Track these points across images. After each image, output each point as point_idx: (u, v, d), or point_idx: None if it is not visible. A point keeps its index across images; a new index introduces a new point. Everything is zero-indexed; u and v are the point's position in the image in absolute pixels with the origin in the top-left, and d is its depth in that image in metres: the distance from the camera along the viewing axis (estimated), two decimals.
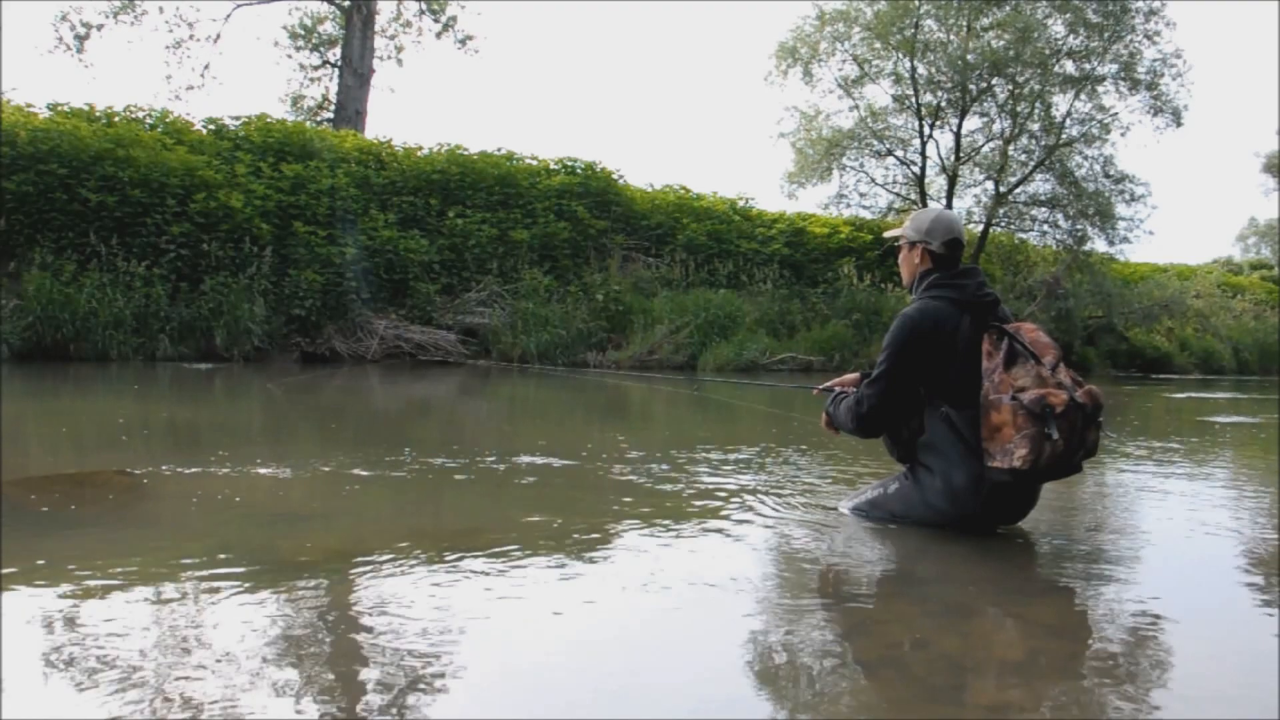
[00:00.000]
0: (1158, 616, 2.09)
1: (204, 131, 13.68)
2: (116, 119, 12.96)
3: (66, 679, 1.53)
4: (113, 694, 1.47)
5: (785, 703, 1.55)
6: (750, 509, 3.14)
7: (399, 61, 26.76)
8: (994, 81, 17.41)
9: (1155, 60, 17.62)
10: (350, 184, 13.62)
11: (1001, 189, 17.89)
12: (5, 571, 2.11)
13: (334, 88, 23.69)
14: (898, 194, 18.83)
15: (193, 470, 3.57)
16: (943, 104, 17.96)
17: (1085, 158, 18.17)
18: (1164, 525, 3.22)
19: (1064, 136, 17.85)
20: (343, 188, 13.43)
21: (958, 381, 2.72)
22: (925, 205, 16.96)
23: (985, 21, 17.53)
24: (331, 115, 22.97)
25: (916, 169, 18.42)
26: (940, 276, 2.85)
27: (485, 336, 13.41)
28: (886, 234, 3.19)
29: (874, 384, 2.85)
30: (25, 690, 1.49)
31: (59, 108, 12.70)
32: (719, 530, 2.83)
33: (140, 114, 13.44)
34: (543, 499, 3.29)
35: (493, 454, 4.36)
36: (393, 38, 25.28)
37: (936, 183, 18.42)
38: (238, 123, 14.11)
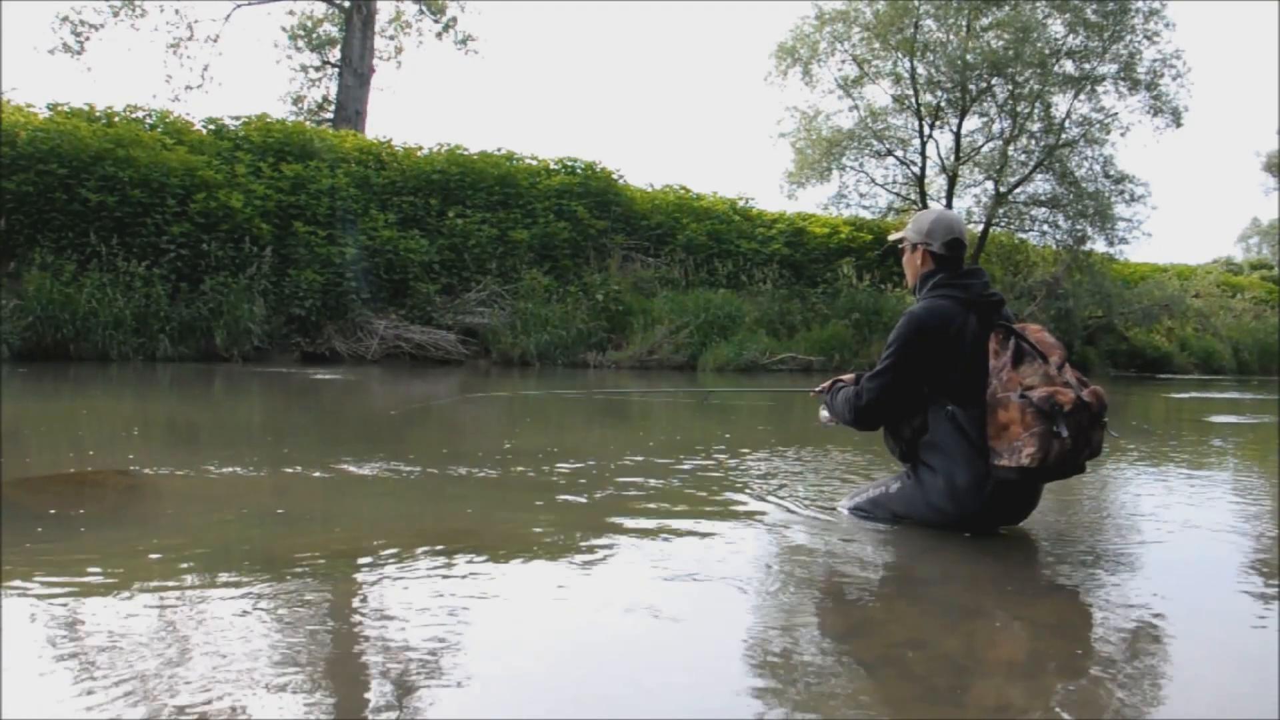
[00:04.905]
0: (1158, 616, 2.08)
1: (204, 131, 13.69)
2: (116, 119, 12.97)
3: (66, 679, 1.53)
4: (113, 694, 1.46)
5: (785, 703, 1.55)
6: (751, 509, 3.14)
7: (398, 63, 26.81)
8: (994, 81, 17.41)
9: (1155, 60, 17.64)
10: (350, 184, 13.62)
11: (1001, 189, 17.89)
12: (5, 571, 2.11)
13: (334, 88, 23.70)
14: (898, 194, 18.84)
15: (193, 470, 3.57)
16: (942, 104, 17.96)
17: (1085, 158, 18.18)
18: (1164, 525, 3.22)
19: (1064, 137, 17.86)
20: (343, 188, 13.44)
21: (963, 380, 2.71)
22: (925, 205, 16.96)
23: (985, 21, 17.54)
24: (331, 115, 22.98)
25: (916, 169, 18.42)
26: (945, 277, 2.85)
27: (485, 336, 13.41)
28: (890, 236, 3.19)
29: (876, 378, 2.85)
30: (25, 690, 1.49)
31: (59, 108, 12.71)
32: (719, 530, 2.83)
33: (140, 114, 13.44)
34: (543, 499, 3.29)
35: (492, 454, 4.36)
36: (392, 38, 25.31)
37: (936, 183, 18.43)
38: (238, 123, 14.12)
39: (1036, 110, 17.72)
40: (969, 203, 18.67)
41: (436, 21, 24.72)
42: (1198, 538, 2.97)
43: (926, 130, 18.24)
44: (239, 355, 11.45)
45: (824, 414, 3.11)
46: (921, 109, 17.95)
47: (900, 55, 17.67)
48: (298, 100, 26.45)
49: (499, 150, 15.61)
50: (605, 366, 13.31)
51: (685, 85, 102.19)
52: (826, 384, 3.13)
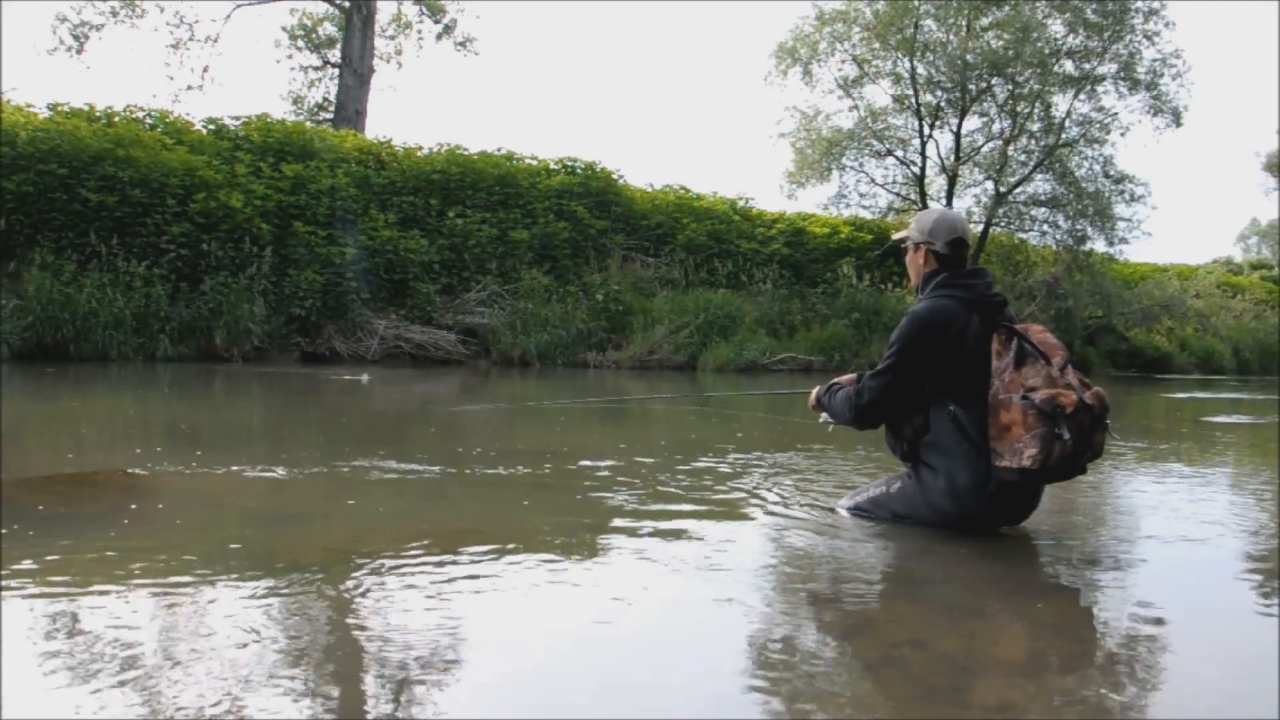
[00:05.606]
0: (1158, 616, 2.08)
1: (204, 131, 13.68)
2: (116, 119, 12.97)
3: (66, 679, 1.53)
4: (113, 694, 1.46)
5: (785, 703, 1.55)
6: (750, 509, 3.14)
7: (398, 64, 26.81)
8: (994, 81, 17.41)
9: (1155, 60, 17.66)
10: (350, 184, 13.62)
11: (1001, 189, 17.89)
12: (5, 571, 2.11)
13: (334, 88, 23.70)
14: (898, 194, 18.85)
15: (193, 470, 3.57)
16: (942, 104, 17.96)
17: (1085, 158, 18.19)
18: (1164, 525, 3.22)
19: (1064, 137, 17.86)
20: (343, 188, 13.43)
21: (965, 381, 2.71)
22: (925, 205, 16.97)
23: (985, 21, 17.54)
24: (331, 115, 22.98)
25: (916, 169, 18.43)
26: (948, 277, 2.84)
27: (485, 336, 13.41)
28: (893, 235, 3.18)
29: (877, 376, 2.85)
30: (25, 690, 1.49)
31: (59, 108, 12.70)
32: (719, 530, 2.83)
33: (140, 114, 13.44)
34: (543, 499, 3.29)
35: (492, 454, 4.36)
36: (393, 38, 25.32)
37: (936, 183, 18.44)
38: (238, 123, 14.12)
39: (1036, 110, 17.73)
40: (969, 203, 18.70)
41: (436, 23, 24.73)
42: (1198, 537, 2.97)
43: (926, 130, 18.25)
44: (239, 355, 11.45)
45: (823, 416, 3.11)
46: (921, 109, 17.96)
47: (900, 55, 17.68)
48: (298, 100, 26.47)
49: (499, 150, 15.62)
50: (605, 367, 13.31)
51: (685, 85, 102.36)
52: (821, 388, 3.11)
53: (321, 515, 2.95)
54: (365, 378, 9.55)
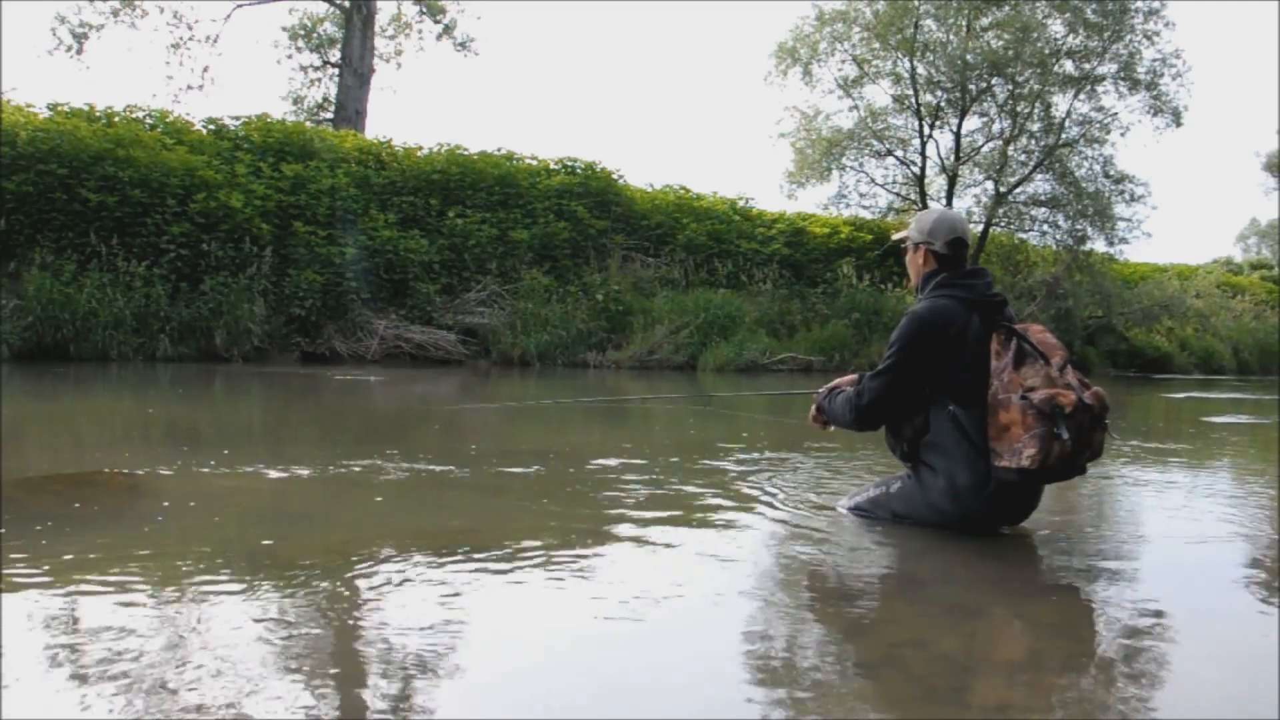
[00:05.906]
0: (1158, 616, 2.09)
1: (204, 131, 13.67)
2: (116, 119, 12.96)
3: (66, 679, 1.53)
4: (113, 694, 1.46)
5: (786, 703, 1.55)
6: (750, 509, 3.14)
7: (398, 64, 26.82)
8: (994, 81, 17.41)
9: (1155, 60, 17.66)
10: (350, 184, 13.61)
11: (1001, 189, 17.89)
12: (5, 571, 2.11)
13: (334, 88, 23.70)
14: (898, 194, 18.85)
15: (193, 470, 3.57)
16: (942, 104, 17.96)
17: (1085, 158, 18.19)
18: (1164, 525, 3.22)
19: (1064, 137, 17.86)
20: (343, 188, 13.43)
21: (965, 381, 2.71)
22: (925, 205, 16.96)
23: (985, 21, 17.54)
24: (331, 115, 22.97)
25: (916, 169, 18.43)
26: (948, 277, 2.84)
27: (485, 336, 13.41)
28: (893, 235, 3.19)
29: (878, 377, 2.85)
30: (25, 690, 1.49)
31: (59, 108, 12.70)
32: (719, 530, 2.83)
33: (140, 114, 13.43)
34: (543, 499, 3.29)
35: (493, 454, 4.36)
36: (393, 38, 25.31)
37: (936, 183, 18.43)
38: (238, 123, 14.11)
39: (1036, 110, 17.72)
40: (969, 203, 18.70)
41: (436, 23, 24.73)
42: (1198, 537, 2.97)
43: (926, 130, 18.25)
44: (239, 355, 11.45)
45: (831, 428, 3.10)
46: (921, 109, 17.96)
47: (900, 55, 17.67)
48: (298, 100, 26.45)
49: (499, 150, 15.61)
50: (605, 367, 13.31)
51: (685, 85, 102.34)
52: (822, 394, 3.10)
53: (323, 515, 2.95)
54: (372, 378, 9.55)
